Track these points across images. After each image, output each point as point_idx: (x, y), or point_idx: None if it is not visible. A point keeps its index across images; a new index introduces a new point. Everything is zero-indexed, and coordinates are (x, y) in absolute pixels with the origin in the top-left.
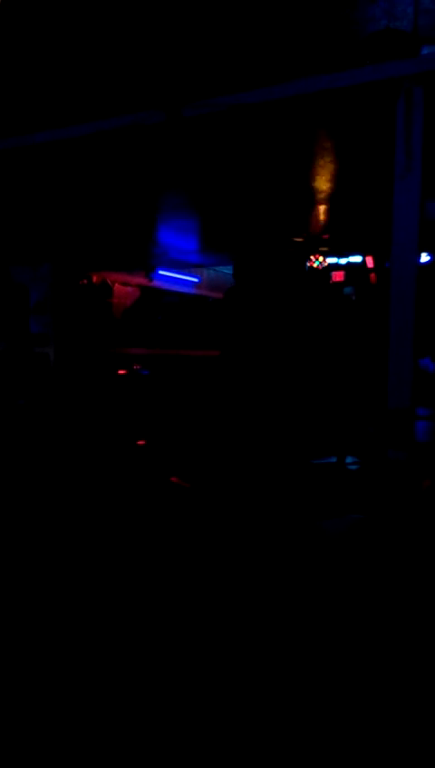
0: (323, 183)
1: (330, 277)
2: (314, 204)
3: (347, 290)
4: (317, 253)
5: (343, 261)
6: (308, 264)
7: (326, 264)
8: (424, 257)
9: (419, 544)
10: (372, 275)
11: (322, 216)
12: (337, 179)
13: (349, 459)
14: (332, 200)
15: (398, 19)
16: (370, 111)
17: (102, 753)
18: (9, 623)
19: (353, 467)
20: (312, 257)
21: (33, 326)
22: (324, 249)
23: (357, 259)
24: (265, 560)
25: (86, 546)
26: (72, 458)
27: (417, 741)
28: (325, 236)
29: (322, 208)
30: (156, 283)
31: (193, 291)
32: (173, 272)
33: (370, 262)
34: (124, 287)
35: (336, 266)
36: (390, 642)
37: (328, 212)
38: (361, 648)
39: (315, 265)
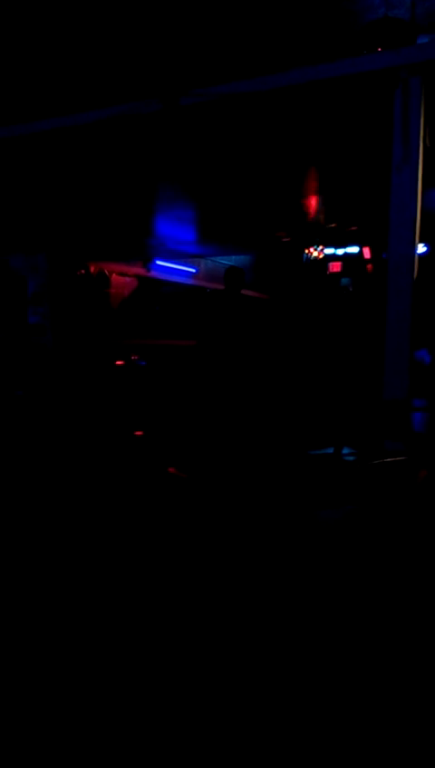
0: (320, 173)
1: (327, 268)
2: (310, 194)
3: (344, 281)
4: (314, 244)
5: (340, 251)
6: (306, 253)
7: (322, 256)
8: (421, 248)
9: (414, 535)
10: (369, 266)
11: (318, 206)
12: (335, 169)
13: (346, 450)
14: (329, 190)
15: (395, 7)
16: (367, 101)
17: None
18: (5, 612)
19: (350, 458)
20: (311, 248)
21: (31, 316)
22: (320, 240)
23: (354, 250)
24: (261, 550)
25: (84, 536)
26: (70, 449)
27: (414, 735)
28: (324, 227)
29: (319, 198)
30: (153, 273)
31: (190, 281)
32: (171, 262)
33: (367, 252)
34: (122, 277)
35: (333, 257)
36: (386, 634)
37: (325, 202)
38: (356, 639)
39: (315, 254)
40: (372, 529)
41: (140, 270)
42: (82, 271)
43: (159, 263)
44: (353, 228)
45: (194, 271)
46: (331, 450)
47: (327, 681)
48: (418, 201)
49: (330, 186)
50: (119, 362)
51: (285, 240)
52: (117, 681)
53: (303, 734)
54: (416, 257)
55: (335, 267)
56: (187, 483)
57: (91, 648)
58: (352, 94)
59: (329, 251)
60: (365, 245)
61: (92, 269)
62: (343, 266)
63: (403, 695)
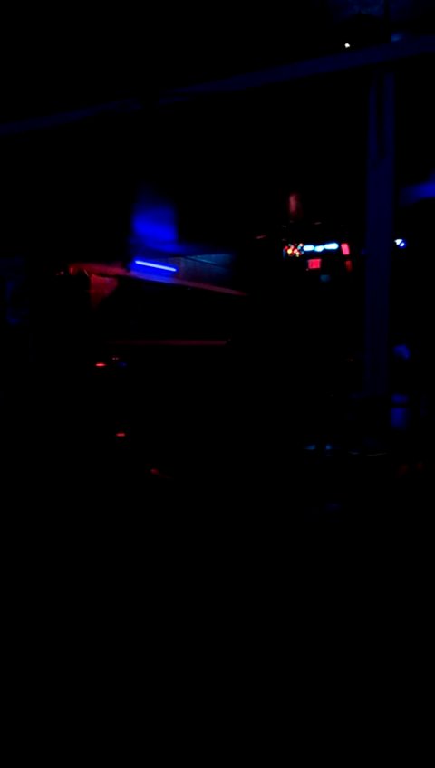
0: (298, 170)
1: (306, 265)
2: (289, 192)
3: (323, 277)
4: (294, 241)
5: (319, 248)
6: (285, 251)
7: (301, 254)
8: (399, 243)
9: (395, 531)
10: (348, 262)
11: (297, 204)
12: (312, 167)
13: (328, 447)
14: (307, 188)
15: (369, 5)
16: (343, 98)
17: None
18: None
19: (332, 455)
20: (290, 245)
21: (11, 318)
22: (299, 237)
23: (333, 246)
24: (246, 550)
25: (67, 538)
26: (51, 451)
27: (403, 726)
28: (302, 224)
29: (297, 196)
30: (133, 273)
31: (171, 280)
32: (151, 262)
33: (345, 249)
34: (101, 278)
35: (313, 254)
36: (372, 628)
37: (303, 199)
38: (344, 637)
39: (296, 253)
40: (353, 528)
41: (119, 270)
42: (62, 272)
43: (138, 262)
44: (336, 225)
45: (174, 270)
46: (313, 447)
47: (317, 678)
48: (394, 197)
49: (308, 183)
50: (100, 364)
51: (262, 238)
52: (108, 682)
53: (295, 730)
54: (392, 253)
55: (315, 264)
56: (170, 484)
57: (78, 650)
58: (327, 92)
59: (308, 248)
60: (344, 242)
61: (72, 270)
62: (323, 263)
63: (394, 688)
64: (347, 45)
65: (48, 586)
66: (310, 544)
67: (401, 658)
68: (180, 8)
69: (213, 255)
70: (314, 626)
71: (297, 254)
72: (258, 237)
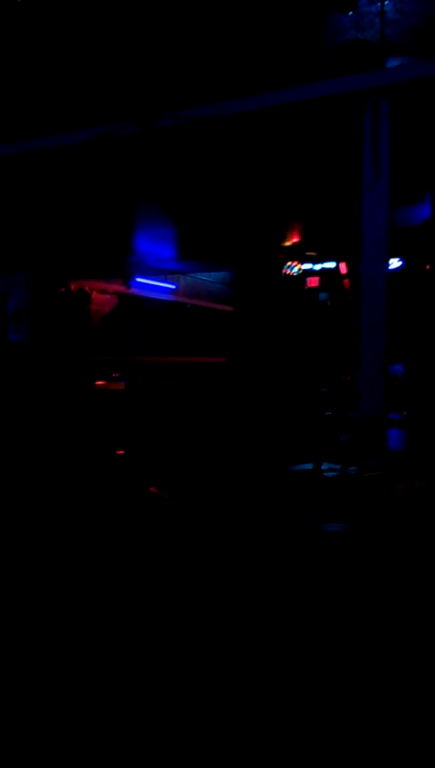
0: (295, 191)
1: (305, 283)
2: (286, 212)
3: (322, 295)
4: (292, 260)
5: (317, 267)
6: (283, 272)
7: (302, 271)
8: (396, 263)
9: (395, 551)
10: (346, 281)
11: (294, 226)
12: (309, 188)
13: (324, 466)
14: (304, 209)
15: (365, 29)
16: (338, 122)
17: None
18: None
19: (329, 474)
20: (288, 263)
21: (11, 334)
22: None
23: (331, 265)
24: (245, 568)
25: (67, 553)
26: (50, 468)
27: (402, 728)
28: (299, 246)
29: (294, 218)
30: (134, 290)
31: (171, 297)
32: (151, 279)
33: (343, 268)
34: (102, 295)
35: (311, 272)
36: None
37: (300, 221)
38: (343, 650)
39: (293, 273)
40: (353, 548)
41: (120, 287)
42: (63, 289)
43: (139, 280)
44: (333, 245)
45: (174, 287)
46: (310, 466)
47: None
48: (388, 217)
49: (305, 202)
50: (99, 382)
51: (260, 257)
52: (109, 684)
53: (302, 734)
54: (387, 274)
55: (313, 282)
56: (169, 503)
57: (83, 662)
58: (323, 116)
59: (306, 266)
60: (342, 261)
61: (73, 287)
62: (321, 281)
63: (396, 698)
64: (343, 70)
65: (49, 597)
66: (312, 562)
67: (400, 669)
68: (179, 32)
69: (212, 273)
70: (312, 640)
71: (298, 268)
72: (257, 256)
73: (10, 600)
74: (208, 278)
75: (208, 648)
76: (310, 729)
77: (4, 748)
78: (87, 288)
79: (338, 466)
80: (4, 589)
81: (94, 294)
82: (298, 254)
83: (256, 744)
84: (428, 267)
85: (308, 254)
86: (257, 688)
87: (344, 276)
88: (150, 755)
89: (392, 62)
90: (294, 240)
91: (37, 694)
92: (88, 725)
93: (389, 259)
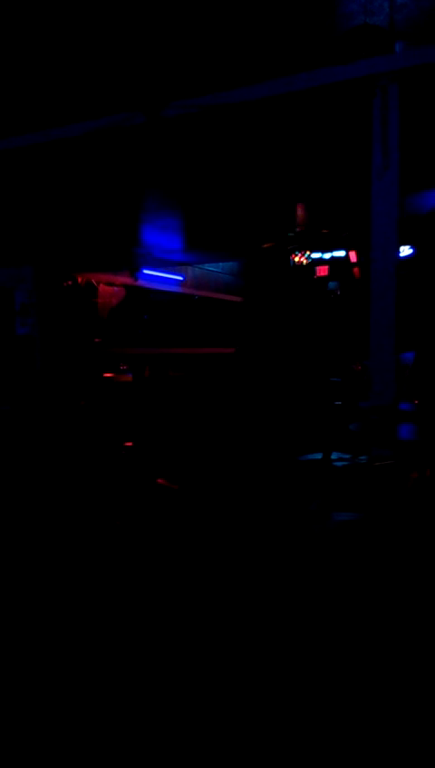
0: (303, 180)
1: (314, 272)
2: (295, 201)
3: (332, 284)
4: (301, 249)
5: (326, 256)
6: (292, 260)
7: (309, 261)
8: (407, 250)
9: (406, 540)
10: (356, 269)
11: (304, 213)
12: (318, 176)
13: (334, 455)
14: (313, 197)
15: (374, 14)
16: (347, 108)
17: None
18: (10, 626)
19: (339, 464)
20: (297, 253)
21: (19, 328)
22: (306, 245)
23: (341, 254)
24: (254, 559)
25: (74, 546)
26: (59, 461)
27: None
28: (309, 233)
29: (303, 205)
30: (141, 282)
31: (178, 289)
32: (158, 271)
33: (353, 256)
34: (109, 287)
35: (320, 261)
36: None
37: (310, 208)
38: (348, 643)
39: (303, 261)
40: (369, 535)
41: (127, 279)
42: (70, 282)
43: (146, 271)
44: (342, 233)
45: (181, 278)
46: (319, 456)
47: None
48: (398, 205)
49: (314, 191)
50: (107, 374)
51: (269, 246)
52: (117, 681)
53: (297, 725)
54: (397, 262)
55: (322, 271)
56: (177, 494)
57: (92, 654)
58: (332, 102)
59: (316, 255)
60: (351, 249)
61: (80, 279)
62: (330, 270)
63: (401, 696)
64: (351, 56)
65: (54, 590)
66: (321, 552)
67: (405, 664)
68: (186, 21)
69: (220, 264)
70: (318, 630)
71: (305, 261)
72: (265, 246)
73: (17, 591)
74: (216, 269)
75: (216, 640)
76: (320, 718)
77: (4, 747)
78: (94, 281)
79: (348, 456)
80: (12, 580)
81: (101, 287)
82: (307, 241)
83: (265, 737)
84: None
85: (323, 231)
86: (266, 678)
87: (354, 265)
88: (152, 749)
89: (402, 47)
90: (303, 228)
91: (39, 686)
92: (91, 716)
93: (399, 247)
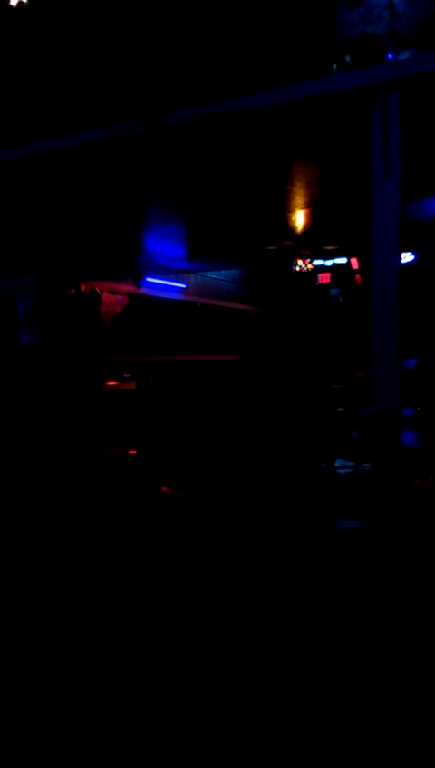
0: (305, 188)
1: (316, 279)
2: (297, 208)
3: (334, 291)
4: (302, 256)
5: (328, 262)
6: (294, 268)
7: (312, 267)
8: (409, 257)
9: (410, 546)
10: (358, 276)
11: (305, 221)
12: (319, 184)
13: (338, 463)
14: (314, 205)
15: (374, 23)
16: (347, 116)
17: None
18: (13, 629)
19: (343, 471)
20: (298, 260)
21: (23, 336)
22: (306, 252)
23: (342, 260)
24: (259, 567)
25: (84, 558)
26: (63, 469)
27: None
28: (309, 242)
29: (305, 212)
30: (144, 290)
31: (181, 297)
32: (161, 278)
33: (355, 263)
34: (113, 295)
35: (322, 268)
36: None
37: (311, 216)
38: (354, 648)
39: (308, 267)
40: (369, 546)
41: (130, 287)
42: (73, 290)
43: (149, 279)
44: (344, 241)
45: (184, 286)
46: (323, 464)
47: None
48: (400, 212)
49: (316, 198)
50: (111, 383)
51: (271, 253)
52: (118, 682)
53: (299, 727)
54: (399, 269)
55: (324, 278)
56: (182, 502)
57: (95, 656)
58: (333, 110)
59: (318, 262)
60: (353, 256)
61: (83, 288)
62: (332, 277)
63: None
64: (351, 64)
65: (60, 597)
66: (327, 560)
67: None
68: (186, 30)
69: (223, 271)
70: (322, 637)
71: (309, 267)
72: (268, 251)
73: (23, 599)
74: (219, 276)
75: (220, 645)
76: (320, 719)
77: (4, 747)
78: (97, 289)
79: (352, 463)
80: (18, 588)
81: (105, 295)
82: (310, 249)
83: (252, 735)
84: None
85: (326, 248)
86: (270, 682)
87: (356, 272)
88: (153, 749)
89: (402, 55)
90: (305, 235)
91: (40, 686)
92: (88, 716)
93: (401, 253)
